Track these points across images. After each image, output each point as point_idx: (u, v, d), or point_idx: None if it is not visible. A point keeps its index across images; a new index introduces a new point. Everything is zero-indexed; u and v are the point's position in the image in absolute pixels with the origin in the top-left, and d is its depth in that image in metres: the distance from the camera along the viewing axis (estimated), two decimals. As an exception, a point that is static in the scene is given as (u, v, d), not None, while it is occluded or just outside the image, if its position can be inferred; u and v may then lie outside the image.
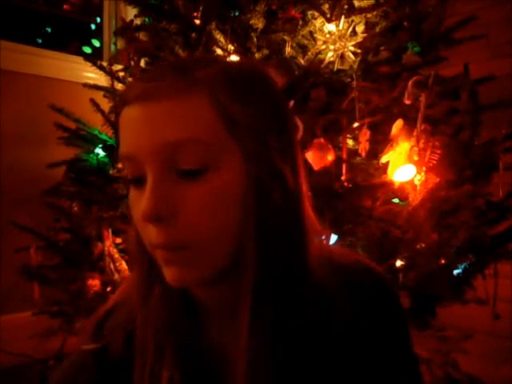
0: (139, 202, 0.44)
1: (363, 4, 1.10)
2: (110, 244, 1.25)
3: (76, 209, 1.36)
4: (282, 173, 0.46)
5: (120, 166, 1.26)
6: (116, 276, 1.23)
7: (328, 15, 1.08)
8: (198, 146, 0.42)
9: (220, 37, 1.14)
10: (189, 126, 0.42)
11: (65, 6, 2.44)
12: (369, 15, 1.10)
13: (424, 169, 1.05)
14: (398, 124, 1.06)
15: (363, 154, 1.06)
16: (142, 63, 1.45)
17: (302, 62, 1.13)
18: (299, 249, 0.47)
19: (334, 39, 1.09)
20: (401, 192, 1.07)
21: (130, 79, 1.41)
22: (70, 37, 2.41)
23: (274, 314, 0.45)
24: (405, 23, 1.21)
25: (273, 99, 0.48)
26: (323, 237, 0.57)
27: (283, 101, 0.51)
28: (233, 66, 0.48)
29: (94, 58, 1.38)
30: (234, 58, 1.15)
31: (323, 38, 1.09)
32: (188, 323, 0.50)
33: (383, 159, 1.07)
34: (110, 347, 0.51)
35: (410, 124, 1.06)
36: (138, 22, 1.41)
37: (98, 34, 2.42)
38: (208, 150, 0.42)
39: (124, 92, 0.47)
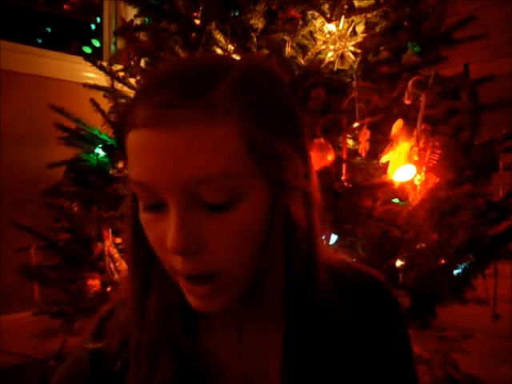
0: (156, 227, 0.42)
1: (363, 4, 1.10)
2: (109, 244, 1.25)
3: (76, 209, 1.36)
4: (307, 194, 0.46)
5: (120, 165, 1.26)
6: (116, 276, 1.23)
7: (328, 15, 1.08)
8: (224, 180, 0.39)
9: (220, 37, 1.14)
10: (215, 159, 0.39)
11: (65, 6, 2.45)
12: (369, 15, 1.10)
13: (424, 169, 1.05)
14: (398, 124, 1.06)
15: (363, 154, 1.06)
16: (142, 63, 1.45)
17: (302, 61, 1.13)
18: (314, 260, 0.47)
19: (334, 39, 1.09)
20: (401, 192, 1.08)
21: (130, 79, 1.41)
22: (70, 37, 2.41)
23: (298, 321, 0.46)
24: (405, 23, 1.21)
25: (293, 116, 0.47)
26: (323, 237, 0.58)
27: (300, 113, 0.48)
28: (249, 75, 0.43)
29: (94, 58, 1.38)
30: (235, 57, 1.15)
31: (323, 38, 1.09)
32: (184, 332, 0.49)
33: (383, 159, 1.07)
34: (109, 348, 0.51)
35: (410, 124, 1.06)
36: (138, 22, 1.41)
37: (98, 34, 2.42)
38: (234, 182, 0.40)
39: (129, 111, 0.42)
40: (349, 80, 1.12)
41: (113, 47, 2.31)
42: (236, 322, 0.48)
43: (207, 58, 0.49)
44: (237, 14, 1.19)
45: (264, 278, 0.44)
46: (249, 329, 0.47)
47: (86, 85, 1.47)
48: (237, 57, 1.14)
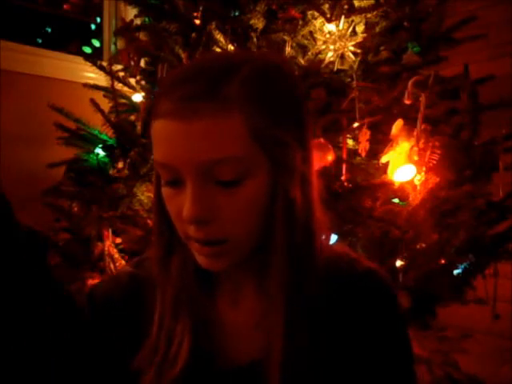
0: (175, 201, 0.50)
1: (363, 4, 1.10)
2: (109, 244, 1.25)
3: (76, 209, 1.36)
4: (304, 175, 0.53)
5: (120, 165, 1.26)
6: (116, 276, 1.23)
7: (328, 15, 1.08)
8: (234, 162, 0.47)
9: (220, 37, 1.14)
10: (226, 145, 0.47)
11: (65, 6, 2.44)
12: (369, 15, 1.10)
13: (424, 169, 1.05)
14: (398, 124, 1.06)
15: (363, 154, 1.06)
16: (142, 63, 1.45)
17: (302, 61, 1.13)
18: (312, 235, 0.54)
19: (334, 39, 1.09)
20: (401, 192, 1.08)
21: (130, 79, 1.41)
22: (70, 37, 2.41)
23: (299, 289, 0.53)
24: (405, 23, 1.21)
25: (297, 107, 0.54)
26: (323, 236, 0.61)
27: (304, 104, 0.55)
28: (260, 72, 0.50)
29: (94, 58, 1.38)
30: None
31: (323, 38, 1.09)
32: (201, 293, 0.57)
33: (383, 159, 1.07)
34: (144, 278, 0.60)
35: (410, 124, 1.06)
36: (138, 21, 1.41)
37: (98, 34, 2.42)
38: (242, 163, 0.48)
39: (156, 103, 0.50)
40: (349, 80, 1.12)
41: (113, 47, 2.31)
42: (238, 283, 0.58)
43: (223, 54, 0.57)
44: (237, 13, 1.19)
45: (268, 246, 0.52)
46: (247, 288, 0.57)
47: (85, 85, 1.47)
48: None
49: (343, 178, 1.08)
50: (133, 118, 1.42)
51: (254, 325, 0.56)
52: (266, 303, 0.54)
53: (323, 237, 0.60)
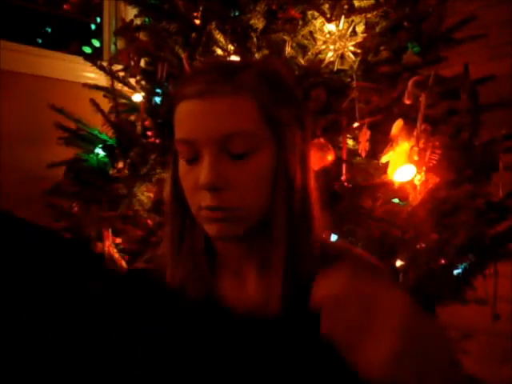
0: (191, 175, 0.58)
1: (363, 4, 1.10)
2: (109, 244, 1.25)
3: (76, 209, 1.36)
4: (303, 153, 0.61)
5: (120, 165, 1.26)
6: (116, 276, 1.23)
7: (328, 15, 1.08)
8: (245, 136, 0.56)
9: (220, 37, 1.14)
10: (239, 121, 0.56)
11: (65, 6, 2.44)
12: (369, 15, 1.10)
13: (424, 169, 1.05)
14: (398, 124, 1.06)
15: (363, 154, 1.06)
16: (142, 63, 1.45)
17: (302, 61, 1.13)
18: (309, 207, 0.61)
19: (334, 39, 1.09)
20: (401, 192, 1.07)
21: (130, 79, 1.41)
22: (70, 37, 2.41)
23: (296, 264, 0.58)
24: (405, 23, 1.21)
25: (296, 97, 0.63)
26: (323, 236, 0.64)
27: (301, 97, 0.67)
28: (266, 69, 0.61)
29: (94, 58, 1.38)
30: (235, 58, 1.15)
31: (323, 38, 1.09)
32: (208, 273, 0.64)
33: (383, 159, 1.07)
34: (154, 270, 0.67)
35: (410, 124, 1.06)
36: (138, 21, 1.41)
37: (98, 34, 2.42)
38: (252, 139, 0.56)
39: (181, 87, 0.59)
40: (349, 80, 1.12)
41: (113, 47, 2.31)
42: (246, 266, 0.64)
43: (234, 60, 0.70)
44: (237, 13, 1.19)
45: (271, 218, 0.58)
46: (250, 272, 0.63)
47: (85, 85, 1.47)
48: (237, 57, 1.14)
49: (343, 177, 1.08)
50: (133, 118, 1.42)
51: (256, 303, 0.62)
52: (267, 282, 0.59)
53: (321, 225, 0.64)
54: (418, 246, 1.10)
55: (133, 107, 1.43)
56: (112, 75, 1.36)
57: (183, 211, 0.62)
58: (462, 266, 1.10)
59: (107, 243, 1.25)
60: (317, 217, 0.62)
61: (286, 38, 1.13)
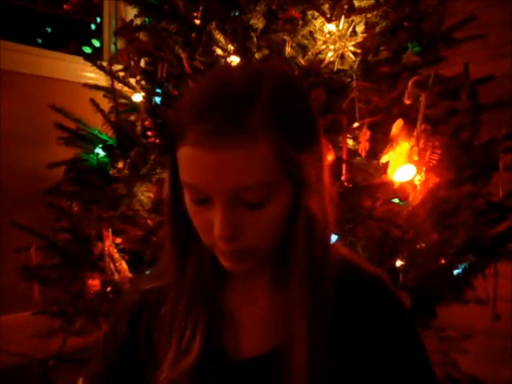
0: (202, 216, 0.54)
1: (363, 4, 1.10)
2: (109, 244, 1.25)
3: (76, 209, 1.36)
4: (321, 190, 0.57)
5: (120, 165, 1.26)
6: (116, 276, 1.23)
7: (328, 15, 1.08)
8: (260, 188, 0.51)
9: (220, 37, 1.14)
10: (254, 172, 0.50)
11: (65, 6, 2.44)
12: (369, 15, 1.10)
13: (424, 169, 1.05)
14: (398, 124, 1.06)
15: (363, 154, 1.06)
16: (142, 63, 1.45)
17: (302, 61, 1.13)
18: (327, 245, 0.59)
19: (334, 39, 1.09)
20: (401, 192, 1.07)
21: (130, 79, 1.41)
22: (70, 37, 2.41)
23: (318, 288, 0.57)
24: (405, 23, 1.21)
25: (313, 125, 0.57)
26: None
27: (318, 120, 0.58)
28: (279, 95, 0.52)
29: (94, 58, 1.38)
30: (235, 58, 1.15)
31: (323, 38, 1.09)
32: (216, 290, 0.62)
33: (383, 159, 1.07)
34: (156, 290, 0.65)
35: (410, 124, 1.06)
36: (138, 21, 1.41)
37: (98, 34, 2.42)
38: (267, 188, 0.52)
39: (180, 128, 0.52)
40: (349, 80, 1.12)
41: (113, 47, 2.31)
42: (256, 283, 0.63)
43: (238, 71, 0.57)
44: (237, 13, 1.19)
45: (290, 259, 0.56)
46: (261, 285, 0.62)
47: (85, 85, 1.47)
48: (237, 57, 1.14)
49: (343, 178, 1.08)
50: (133, 118, 1.42)
51: (265, 320, 0.61)
52: (282, 301, 0.58)
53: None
54: (418, 246, 1.09)
55: (133, 107, 1.43)
56: (112, 75, 1.36)
57: (185, 231, 0.59)
58: (462, 266, 1.10)
59: (107, 243, 1.25)
60: (331, 244, 0.61)
61: (286, 37, 1.13)
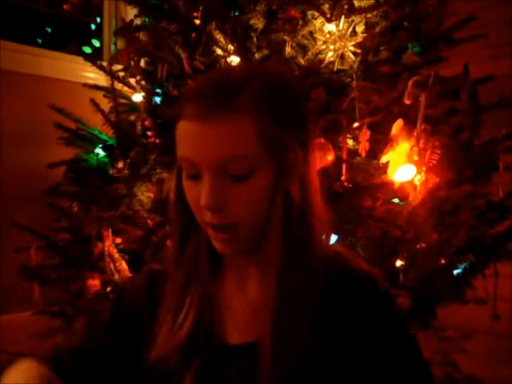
0: (194, 191, 0.59)
1: (363, 4, 1.10)
2: (109, 244, 1.25)
3: (76, 209, 1.36)
4: (304, 175, 0.61)
5: (120, 165, 1.26)
6: (116, 276, 1.23)
7: (328, 15, 1.08)
8: (244, 160, 0.56)
9: (220, 37, 1.15)
10: (238, 146, 0.56)
11: (65, 6, 2.44)
12: (369, 15, 1.10)
13: (424, 169, 1.05)
14: (398, 124, 1.06)
15: (363, 154, 1.06)
16: (142, 63, 1.45)
17: (302, 61, 1.13)
18: (308, 231, 0.61)
19: (334, 39, 1.09)
20: (401, 192, 1.07)
21: (130, 79, 1.41)
22: (70, 37, 2.41)
23: (292, 279, 0.59)
24: (405, 23, 1.21)
25: (302, 116, 0.63)
26: (323, 235, 0.64)
27: (307, 111, 0.64)
28: (270, 85, 0.60)
29: (94, 58, 1.38)
30: (235, 58, 1.15)
31: (323, 38, 1.09)
32: (210, 275, 0.66)
33: (383, 159, 1.07)
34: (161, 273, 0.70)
35: (410, 124, 1.06)
36: (138, 21, 1.41)
37: (98, 34, 2.42)
38: (251, 161, 0.57)
39: (182, 104, 0.60)
40: (349, 80, 1.12)
41: (113, 47, 2.31)
42: (244, 270, 0.66)
43: (235, 69, 0.67)
44: (237, 13, 1.19)
45: (268, 238, 0.60)
46: (251, 275, 0.65)
47: (85, 85, 1.47)
48: (237, 57, 1.14)
49: (343, 177, 1.08)
50: (133, 118, 1.42)
51: (253, 310, 0.64)
52: (265, 291, 0.61)
53: (323, 236, 0.65)
54: (418, 246, 1.10)
55: (133, 107, 1.43)
56: (112, 75, 1.36)
57: (186, 218, 0.64)
58: (462, 266, 1.10)
59: (107, 243, 1.25)
60: (319, 235, 0.63)
61: (286, 38, 1.13)
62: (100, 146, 1.39)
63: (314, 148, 0.64)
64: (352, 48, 1.09)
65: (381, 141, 1.09)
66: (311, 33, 1.12)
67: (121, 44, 1.51)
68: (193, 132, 0.57)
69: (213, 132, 0.56)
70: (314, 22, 1.11)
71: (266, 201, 0.59)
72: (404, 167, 1.04)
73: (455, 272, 1.10)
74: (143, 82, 1.41)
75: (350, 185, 1.08)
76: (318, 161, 1.02)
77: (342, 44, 1.08)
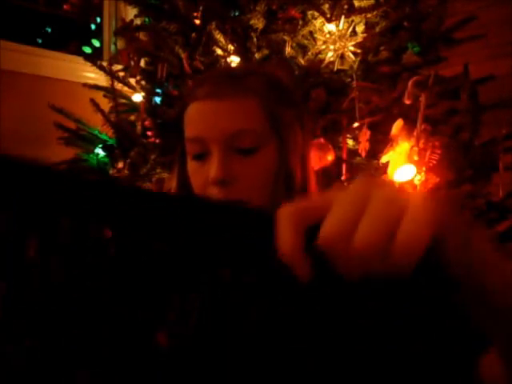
0: (200, 172, 0.63)
1: (363, 4, 1.10)
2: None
3: (76, 209, 1.36)
4: (303, 153, 0.66)
5: (120, 165, 1.26)
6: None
7: (328, 15, 1.08)
8: (251, 133, 0.62)
9: (220, 37, 1.15)
10: (246, 120, 0.62)
11: (65, 6, 2.44)
12: (369, 15, 1.10)
13: (424, 169, 1.05)
14: (398, 124, 1.06)
15: (363, 154, 1.06)
16: (142, 63, 1.45)
17: (302, 61, 1.13)
18: None
19: (334, 39, 1.09)
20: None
21: (130, 79, 1.41)
22: (70, 37, 2.41)
23: None
24: (405, 23, 1.21)
25: (296, 99, 0.71)
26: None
27: (301, 100, 0.75)
28: (269, 74, 0.69)
29: (94, 58, 1.38)
30: (235, 58, 1.15)
31: (323, 38, 1.10)
32: None
33: (383, 159, 1.07)
34: None
35: (410, 124, 1.06)
36: (138, 21, 1.41)
37: (98, 34, 2.42)
38: (258, 136, 0.62)
39: (192, 90, 0.66)
40: (349, 80, 1.12)
41: (113, 47, 2.31)
42: None
43: (237, 66, 0.78)
44: (237, 13, 1.19)
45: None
46: None
47: (85, 85, 1.47)
48: (237, 57, 1.14)
49: (343, 177, 1.08)
50: (133, 118, 1.42)
51: None
52: None
53: None
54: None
55: (133, 107, 1.43)
56: (112, 75, 1.36)
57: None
58: (462, 266, 1.09)
59: (107, 243, 1.25)
60: None
61: (286, 37, 1.13)
62: (100, 146, 1.39)
63: (310, 130, 0.72)
64: (352, 48, 1.09)
65: (381, 141, 1.09)
66: (311, 33, 1.12)
67: (121, 44, 1.51)
68: (205, 110, 0.63)
69: (223, 108, 0.62)
70: (314, 21, 1.11)
71: (271, 177, 0.63)
72: (404, 167, 1.04)
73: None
74: (143, 82, 1.41)
75: (350, 185, 1.08)
76: (317, 160, 1.03)
77: (342, 44, 1.08)
